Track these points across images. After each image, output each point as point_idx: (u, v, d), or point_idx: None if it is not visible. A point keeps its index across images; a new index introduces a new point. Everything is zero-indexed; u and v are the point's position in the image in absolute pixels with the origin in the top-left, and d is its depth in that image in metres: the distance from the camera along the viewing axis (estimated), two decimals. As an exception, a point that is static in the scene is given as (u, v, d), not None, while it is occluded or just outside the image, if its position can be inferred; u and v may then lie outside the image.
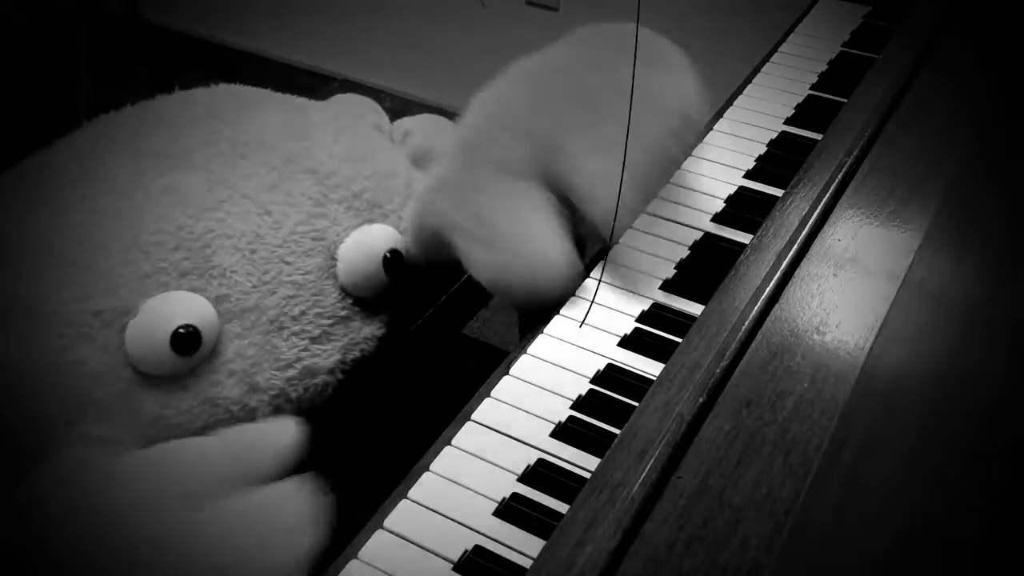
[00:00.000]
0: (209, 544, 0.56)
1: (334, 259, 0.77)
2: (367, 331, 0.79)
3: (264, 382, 0.72)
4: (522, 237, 0.71)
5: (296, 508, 0.59)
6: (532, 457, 0.62)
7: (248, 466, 0.62)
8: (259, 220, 0.75)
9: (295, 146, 0.80)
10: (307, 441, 0.65)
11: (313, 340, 0.75)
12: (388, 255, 0.78)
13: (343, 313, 0.77)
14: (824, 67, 1.00)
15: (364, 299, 0.79)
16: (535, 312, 0.72)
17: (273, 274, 0.74)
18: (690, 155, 0.80)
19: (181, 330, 0.68)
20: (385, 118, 0.95)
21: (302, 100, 0.90)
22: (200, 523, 0.57)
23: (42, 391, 0.66)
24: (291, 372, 0.73)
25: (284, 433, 0.64)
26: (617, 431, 0.62)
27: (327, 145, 0.82)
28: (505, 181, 0.73)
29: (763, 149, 0.89)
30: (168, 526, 0.57)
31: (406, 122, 0.97)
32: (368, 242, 0.78)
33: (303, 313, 0.74)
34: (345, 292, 0.78)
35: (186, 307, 0.69)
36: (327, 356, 0.76)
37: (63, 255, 0.70)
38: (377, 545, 0.57)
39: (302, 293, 0.75)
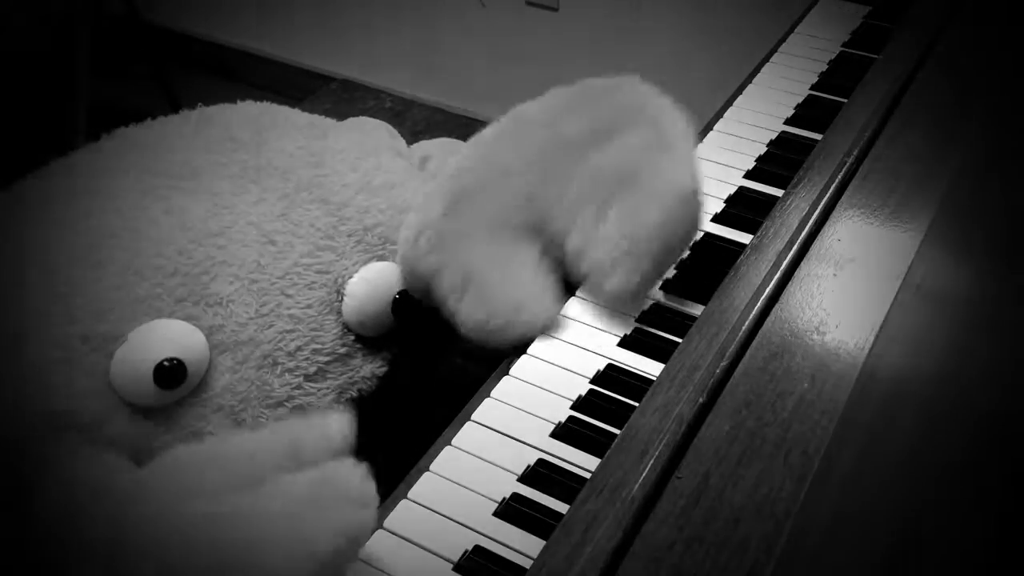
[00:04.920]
0: (260, 523, 0.54)
1: (339, 294, 0.74)
2: (367, 369, 0.76)
3: (251, 420, 0.69)
4: (507, 296, 0.70)
5: (347, 483, 0.56)
6: (532, 457, 0.62)
7: (297, 455, 0.60)
8: (262, 249, 0.72)
9: (309, 173, 0.77)
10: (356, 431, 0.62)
11: (308, 378, 0.72)
12: (397, 296, 0.75)
13: (343, 350, 0.74)
14: (824, 67, 1.00)
15: (367, 336, 0.76)
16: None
17: (272, 306, 0.71)
18: (695, 232, 0.74)
19: (165, 363, 0.65)
20: (403, 142, 0.91)
21: (327, 122, 0.86)
22: (249, 503, 0.55)
23: (27, 412, 0.64)
24: (280, 411, 0.70)
25: (333, 424, 0.62)
26: (617, 431, 0.62)
27: (343, 174, 0.78)
28: (495, 240, 0.72)
29: (763, 149, 0.89)
30: (215, 512, 0.55)
31: (425, 146, 0.94)
32: (377, 281, 0.75)
33: (299, 349, 0.71)
34: (347, 328, 0.74)
35: (175, 338, 0.66)
36: (321, 395, 0.73)
37: (57, 274, 0.67)
38: (377, 545, 0.57)
39: (300, 328, 0.71)
